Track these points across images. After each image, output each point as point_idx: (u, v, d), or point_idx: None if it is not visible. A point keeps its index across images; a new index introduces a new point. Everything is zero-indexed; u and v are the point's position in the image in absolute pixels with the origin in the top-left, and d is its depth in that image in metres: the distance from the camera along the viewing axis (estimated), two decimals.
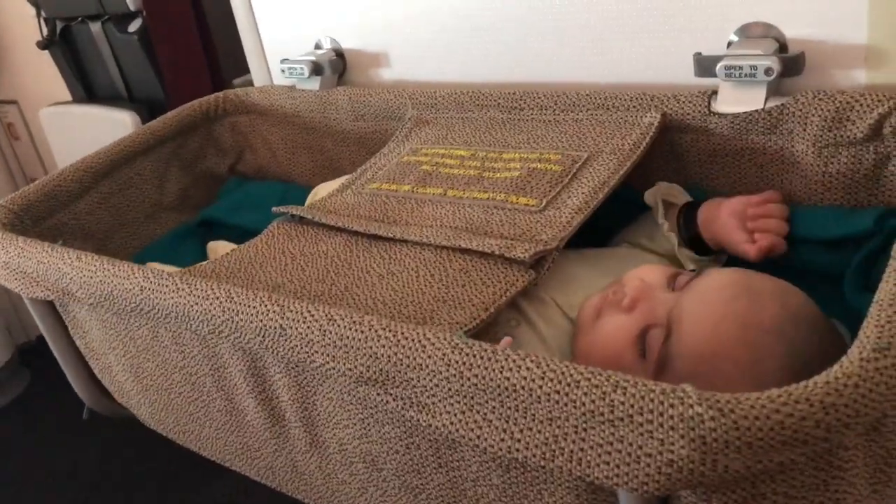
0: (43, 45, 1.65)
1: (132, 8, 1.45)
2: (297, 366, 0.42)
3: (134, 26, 1.49)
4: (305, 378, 0.43)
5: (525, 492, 0.36)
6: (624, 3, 0.53)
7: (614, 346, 0.40)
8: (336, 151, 0.71)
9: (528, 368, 0.31)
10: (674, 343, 0.39)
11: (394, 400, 0.36)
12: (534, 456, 0.32)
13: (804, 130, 0.47)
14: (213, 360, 0.48)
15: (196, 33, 1.47)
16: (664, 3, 0.52)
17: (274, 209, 0.55)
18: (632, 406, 0.29)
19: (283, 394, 0.45)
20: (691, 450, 0.28)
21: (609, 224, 0.56)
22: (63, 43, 1.64)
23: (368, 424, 0.41)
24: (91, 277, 0.49)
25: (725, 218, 0.48)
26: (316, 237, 0.52)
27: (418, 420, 0.35)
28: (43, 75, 1.95)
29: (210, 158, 0.77)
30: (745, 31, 0.50)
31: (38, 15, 1.66)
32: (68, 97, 1.75)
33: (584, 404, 0.30)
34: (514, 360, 0.32)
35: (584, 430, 0.30)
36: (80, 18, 1.58)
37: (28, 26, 1.85)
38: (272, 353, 0.41)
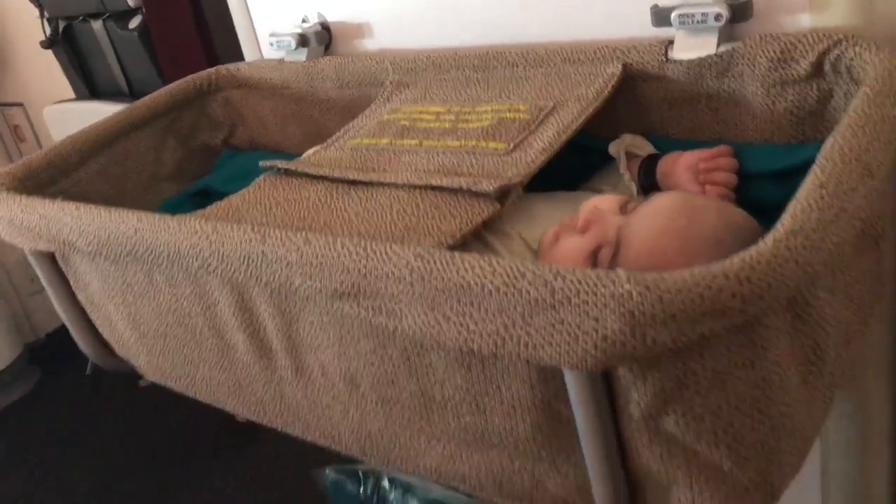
0: (46, 44, 1.70)
1: (132, 5, 1.50)
2: (279, 291, 0.45)
3: (134, 23, 1.53)
4: (288, 306, 0.46)
5: (485, 388, 0.39)
6: None
7: (568, 264, 0.44)
8: (323, 120, 0.74)
9: (480, 267, 0.35)
10: (621, 258, 0.42)
11: (365, 311, 0.39)
12: (487, 345, 0.35)
13: (753, 72, 0.50)
14: (204, 299, 0.51)
15: (194, 28, 1.51)
16: None
17: (261, 163, 0.59)
18: (570, 290, 0.32)
19: (268, 324, 0.48)
20: (622, 324, 0.31)
21: (578, 173, 0.59)
22: (66, 42, 1.68)
23: (346, 342, 0.44)
24: (90, 224, 0.52)
25: (680, 172, 0.52)
26: (299, 186, 0.55)
27: (388, 326, 0.39)
28: (46, 76, 2.00)
29: (204, 132, 0.80)
30: None
31: (42, 15, 1.70)
32: (72, 97, 1.79)
33: (528, 293, 0.33)
34: (468, 261, 0.35)
35: (530, 316, 0.33)
36: (81, 17, 1.62)
37: (30, 28, 1.90)
38: (256, 280, 0.44)
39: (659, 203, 0.44)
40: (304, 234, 0.41)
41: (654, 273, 0.31)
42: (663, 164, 0.53)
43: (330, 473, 0.89)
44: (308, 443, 0.54)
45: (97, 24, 1.60)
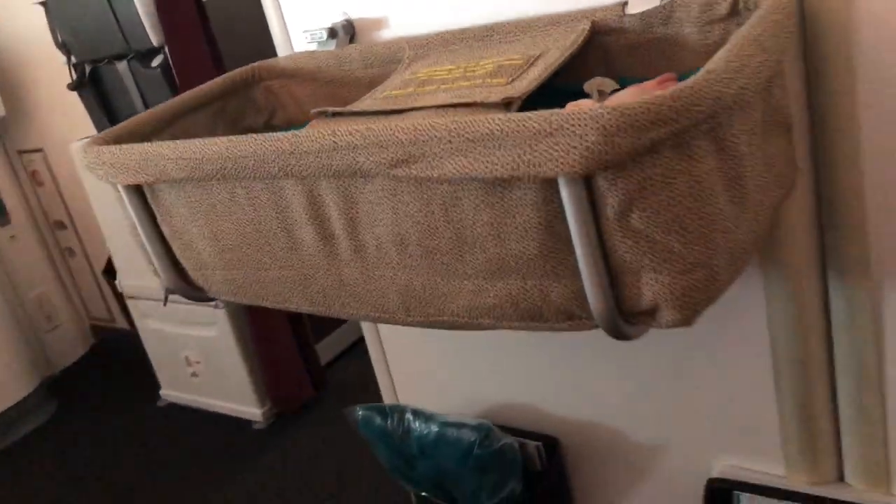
0: (73, 86, 1.87)
1: (155, 44, 1.68)
2: (344, 177, 0.60)
3: (157, 61, 1.71)
4: (350, 190, 0.61)
5: (504, 219, 0.54)
6: None
7: None
8: (352, 97, 0.90)
9: (499, 120, 0.50)
10: None
11: (417, 171, 0.55)
12: (506, 171, 0.50)
13: (688, 16, 0.67)
14: (279, 203, 0.66)
15: (211, 63, 1.68)
16: None
17: (313, 111, 0.75)
18: (563, 119, 0.47)
19: (332, 212, 0.63)
20: (598, 135, 0.46)
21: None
22: (91, 84, 1.85)
23: (398, 209, 0.59)
24: (185, 152, 0.68)
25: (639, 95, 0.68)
26: (347, 121, 0.71)
27: (432, 177, 0.54)
28: (64, 121, 2.17)
29: (249, 117, 0.96)
30: None
31: (69, 62, 1.88)
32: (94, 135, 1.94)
33: (533, 128, 0.49)
34: (489, 118, 0.51)
35: (535, 144, 0.49)
36: (106, 59, 1.80)
37: (51, 75, 2.08)
38: (326, 168, 0.59)
39: (624, 93, 0.60)
40: (364, 123, 0.57)
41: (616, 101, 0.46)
42: (625, 94, 0.70)
43: (360, 410, 1.02)
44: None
45: (122, 65, 1.77)
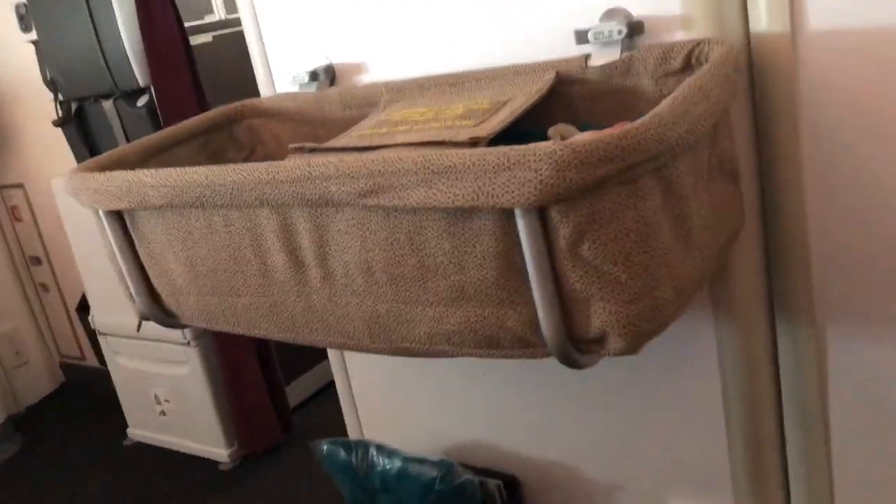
0: (59, 122, 1.90)
1: (141, 84, 1.72)
2: (316, 205, 0.64)
3: (142, 101, 1.76)
4: (321, 219, 0.64)
5: (464, 248, 0.57)
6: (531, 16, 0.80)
7: None
8: (329, 137, 0.94)
9: (462, 154, 0.54)
10: None
11: (384, 200, 0.58)
12: (467, 201, 0.54)
13: (645, 69, 0.72)
14: (253, 231, 0.69)
15: (196, 104, 1.73)
16: (565, 12, 0.77)
17: (291, 146, 0.78)
18: (520, 155, 0.51)
19: (304, 239, 0.66)
20: (551, 170, 0.50)
21: None
22: (77, 121, 1.89)
23: (365, 237, 0.62)
24: (167, 180, 0.71)
25: None
26: (321, 155, 0.75)
27: (398, 207, 0.58)
28: (45, 157, 2.19)
29: (230, 152, 1.00)
30: (607, 15, 0.76)
31: (56, 99, 1.91)
32: None
33: (493, 162, 0.52)
34: (454, 153, 0.54)
35: (494, 177, 0.53)
36: (93, 97, 1.84)
37: (35, 111, 2.11)
38: (300, 197, 0.63)
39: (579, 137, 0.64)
40: (338, 155, 0.60)
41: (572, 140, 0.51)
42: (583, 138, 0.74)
43: (325, 444, 1.04)
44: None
45: (108, 104, 1.81)
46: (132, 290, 0.83)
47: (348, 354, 1.14)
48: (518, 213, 0.53)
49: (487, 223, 0.56)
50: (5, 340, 2.47)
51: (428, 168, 0.55)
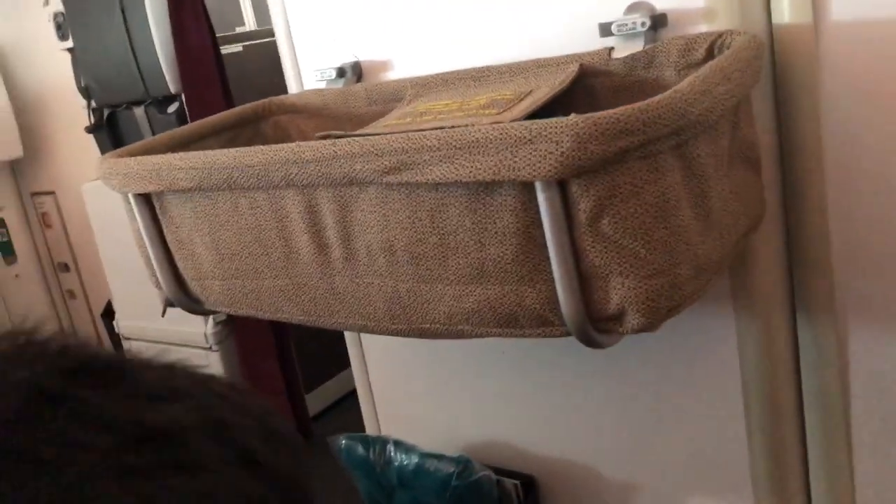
0: (91, 129, 1.94)
1: (173, 91, 1.75)
2: (341, 184, 0.65)
3: (173, 108, 1.79)
4: (345, 198, 0.66)
5: (485, 224, 0.58)
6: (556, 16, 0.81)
7: None
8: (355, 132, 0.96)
9: (484, 128, 0.55)
10: None
11: (407, 177, 0.59)
12: (489, 175, 0.55)
13: (668, 60, 0.73)
14: (278, 213, 0.70)
15: (225, 110, 1.75)
16: (590, 6, 0.79)
17: (317, 134, 0.80)
18: (542, 128, 0.52)
19: (328, 220, 0.68)
20: (572, 142, 0.51)
21: None
22: (108, 127, 1.93)
23: (388, 216, 0.63)
24: (195, 162, 0.72)
25: None
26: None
27: (421, 183, 0.59)
28: (76, 165, 2.23)
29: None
30: (631, 9, 0.77)
31: (88, 105, 1.96)
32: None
33: (515, 136, 0.53)
34: (476, 128, 0.55)
35: (516, 150, 0.53)
36: (125, 104, 1.87)
37: (66, 119, 2.15)
38: (325, 177, 0.64)
39: None
40: (362, 135, 0.62)
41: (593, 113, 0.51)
42: None
43: (342, 439, 1.04)
44: None
45: (139, 110, 1.85)
46: (158, 275, 0.84)
47: (368, 350, 1.14)
48: (539, 186, 0.54)
49: (508, 199, 0.57)
50: None
51: (451, 144, 0.56)
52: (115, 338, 2.21)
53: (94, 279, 2.43)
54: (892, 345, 0.73)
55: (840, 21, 0.67)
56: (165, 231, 0.81)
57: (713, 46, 0.70)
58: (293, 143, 0.66)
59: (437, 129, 0.71)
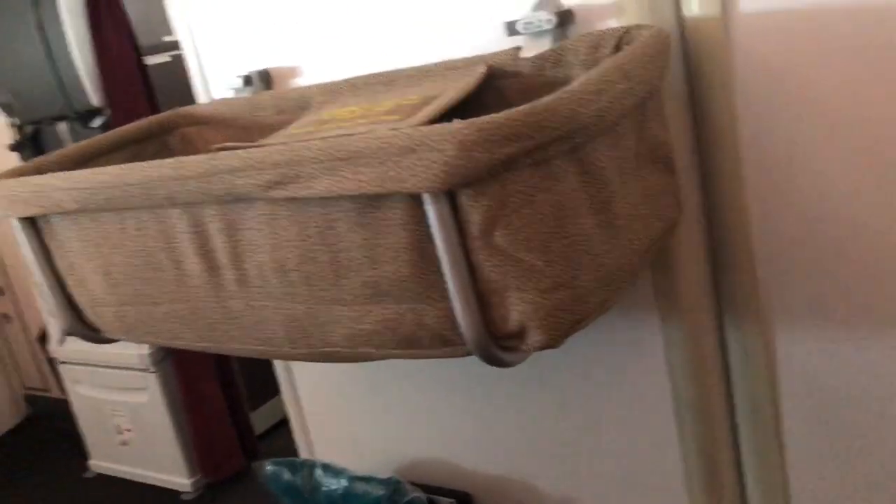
0: (14, 147, 1.86)
1: (96, 104, 1.69)
2: (226, 201, 0.60)
3: (97, 122, 1.72)
4: (232, 216, 0.61)
5: (376, 240, 0.54)
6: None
7: None
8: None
9: (366, 138, 0.51)
10: None
11: (292, 191, 0.55)
12: (373, 188, 0.51)
13: (576, 59, 0.69)
14: (166, 233, 0.66)
15: None
16: (496, 4, 0.75)
17: (214, 146, 0.75)
18: (424, 135, 0.48)
19: (216, 241, 0.63)
20: (456, 150, 0.47)
21: None
22: (32, 144, 1.85)
23: (277, 235, 0.59)
24: (77, 182, 0.67)
25: None
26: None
27: (307, 198, 0.54)
28: None
29: None
30: (538, 6, 0.73)
31: (11, 122, 1.88)
32: None
33: (398, 145, 0.49)
34: (358, 137, 0.51)
35: (399, 160, 0.49)
36: (48, 120, 1.80)
37: None
38: (208, 193, 0.59)
39: None
40: (243, 149, 0.57)
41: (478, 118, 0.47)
42: None
43: (267, 465, 0.99)
44: None
45: (62, 126, 1.77)
46: (52, 305, 0.78)
47: (297, 373, 1.09)
48: (427, 198, 0.50)
49: (397, 212, 0.53)
50: None
51: (333, 155, 0.52)
52: (52, 362, 2.12)
53: (30, 302, 2.34)
54: (819, 343, 0.71)
55: (749, 12, 0.64)
56: (55, 256, 0.76)
57: (621, 41, 0.66)
58: (173, 159, 0.61)
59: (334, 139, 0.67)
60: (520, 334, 0.53)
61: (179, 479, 1.92)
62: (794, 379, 0.73)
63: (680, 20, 0.68)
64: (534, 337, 0.52)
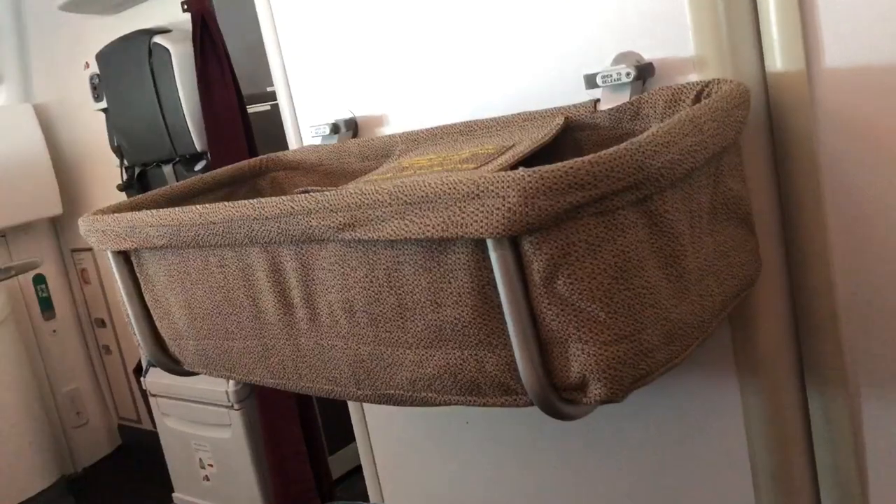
0: (122, 187, 1.97)
1: (199, 149, 1.77)
2: (301, 241, 0.62)
3: (199, 166, 1.81)
4: (306, 255, 0.63)
5: (440, 284, 0.55)
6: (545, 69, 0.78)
7: None
8: None
9: (433, 184, 0.52)
10: None
11: (361, 233, 0.56)
12: (437, 232, 0.51)
13: (654, 112, 0.69)
14: (245, 270, 0.68)
15: None
16: (577, 58, 0.76)
17: (296, 190, 0.77)
18: (488, 183, 0.49)
19: (291, 279, 0.65)
20: (519, 197, 0.47)
21: None
22: (139, 184, 1.96)
23: (346, 273, 0.60)
24: (164, 219, 0.71)
25: None
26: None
27: (376, 240, 0.55)
28: None
29: None
30: (618, 59, 0.73)
31: (121, 164, 1.99)
32: None
33: (463, 191, 0.50)
34: (426, 181, 0.52)
35: (464, 206, 0.50)
36: (155, 163, 1.90)
37: (105, 177, 2.20)
38: (284, 234, 0.61)
39: None
40: (320, 189, 0.59)
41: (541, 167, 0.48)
42: None
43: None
44: None
45: (167, 168, 1.87)
46: (137, 335, 0.82)
47: (370, 419, 1.10)
48: (490, 244, 0.50)
49: (462, 257, 0.53)
50: (67, 400, 2.52)
51: (401, 199, 0.53)
52: (144, 394, 2.21)
53: (129, 335, 2.45)
54: None
55: (834, 67, 0.63)
56: (143, 289, 0.80)
57: (700, 95, 0.66)
58: (255, 200, 0.64)
59: None
60: (581, 386, 0.52)
61: None
62: (880, 449, 0.69)
63: (763, 74, 0.67)
64: (595, 390, 0.51)
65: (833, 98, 0.63)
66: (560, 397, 0.53)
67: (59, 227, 2.55)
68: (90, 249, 2.49)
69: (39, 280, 2.49)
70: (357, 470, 2.17)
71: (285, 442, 1.86)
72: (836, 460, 0.71)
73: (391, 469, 1.11)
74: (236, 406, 1.87)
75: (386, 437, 1.10)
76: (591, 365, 0.51)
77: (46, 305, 2.51)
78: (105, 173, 2.15)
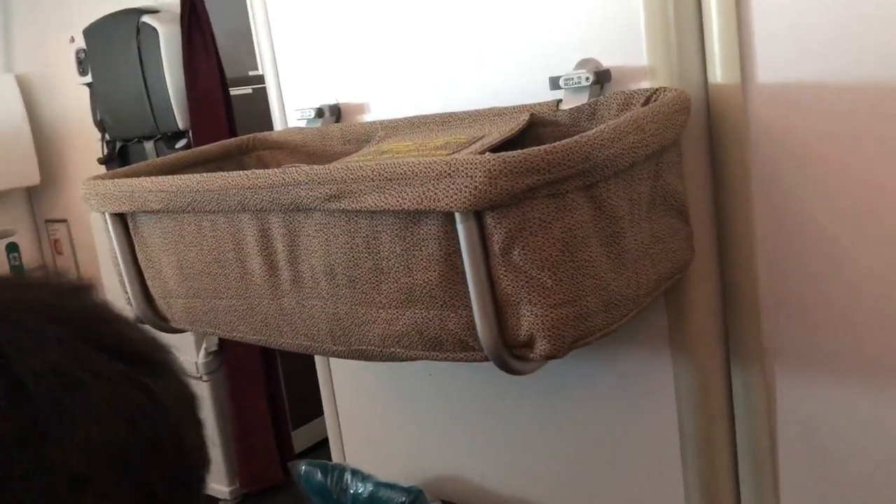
0: (103, 160, 2.02)
1: (181, 127, 1.83)
2: (289, 209, 0.70)
3: (180, 143, 1.86)
4: (293, 223, 0.70)
5: (412, 251, 0.63)
6: (516, 71, 0.86)
7: None
8: None
9: (410, 163, 0.60)
10: None
11: (345, 204, 0.64)
12: (412, 204, 0.59)
13: (609, 113, 0.77)
14: (236, 235, 0.75)
15: None
16: (543, 61, 0.84)
17: (284, 166, 0.85)
18: (459, 165, 0.57)
19: (278, 244, 0.72)
20: (484, 177, 0.56)
21: None
22: (119, 159, 2.00)
23: (329, 241, 0.68)
24: (163, 186, 0.78)
25: None
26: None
27: (358, 210, 0.63)
28: None
29: None
30: (580, 65, 0.82)
31: (103, 138, 2.04)
32: None
33: (436, 170, 0.58)
34: (403, 161, 0.60)
35: (437, 183, 0.58)
36: (136, 139, 1.96)
37: (84, 151, 2.24)
38: (275, 202, 0.69)
39: None
40: (308, 165, 0.67)
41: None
42: None
43: (302, 465, 1.07)
44: None
45: (149, 144, 1.92)
46: (129, 292, 0.89)
47: (337, 380, 1.18)
48: (458, 217, 0.59)
49: (433, 228, 0.61)
50: None
51: (382, 175, 0.61)
52: None
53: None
54: (819, 391, 0.76)
55: (765, 83, 0.72)
56: (137, 250, 0.86)
57: (649, 101, 0.74)
58: (249, 171, 0.71)
59: None
60: (529, 343, 0.60)
61: (219, 486, 2.01)
62: (791, 424, 0.78)
63: (706, 85, 0.76)
64: (540, 347, 0.60)
65: (765, 110, 0.72)
66: (511, 353, 0.62)
67: (34, 197, 2.58)
68: (64, 220, 2.53)
69: (13, 248, 2.52)
70: (319, 445, 2.24)
71: (252, 415, 1.92)
72: (752, 428, 0.81)
73: (353, 427, 1.19)
74: (205, 378, 1.93)
75: (350, 396, 1.17)
76: (538, 325, 0.59)
77: (18, 274, 2.54)
78: (84, 146, 2.20)
